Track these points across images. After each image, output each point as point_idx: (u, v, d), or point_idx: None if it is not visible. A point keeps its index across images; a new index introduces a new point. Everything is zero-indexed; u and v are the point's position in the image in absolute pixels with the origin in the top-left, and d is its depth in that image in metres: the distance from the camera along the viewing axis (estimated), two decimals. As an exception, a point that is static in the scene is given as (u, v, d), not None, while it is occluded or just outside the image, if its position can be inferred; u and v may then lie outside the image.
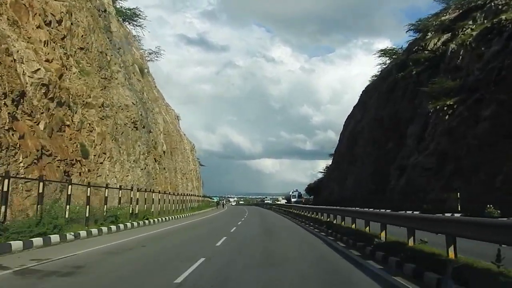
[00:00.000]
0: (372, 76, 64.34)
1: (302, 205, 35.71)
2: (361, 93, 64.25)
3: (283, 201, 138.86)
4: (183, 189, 48.50)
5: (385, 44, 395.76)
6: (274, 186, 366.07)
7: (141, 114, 28.76)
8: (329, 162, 77.94)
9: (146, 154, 29.51)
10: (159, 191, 32.03)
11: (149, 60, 54.15)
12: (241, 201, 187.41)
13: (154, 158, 32.57)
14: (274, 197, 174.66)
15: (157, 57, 53.87)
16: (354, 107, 65.05)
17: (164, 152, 38.25)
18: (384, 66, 59.98)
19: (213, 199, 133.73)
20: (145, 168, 29.09)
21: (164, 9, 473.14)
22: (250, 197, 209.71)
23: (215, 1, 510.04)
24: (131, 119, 26.44)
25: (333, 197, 59.61)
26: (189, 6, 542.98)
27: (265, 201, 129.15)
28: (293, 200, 74.62)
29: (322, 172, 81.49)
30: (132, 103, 27.02)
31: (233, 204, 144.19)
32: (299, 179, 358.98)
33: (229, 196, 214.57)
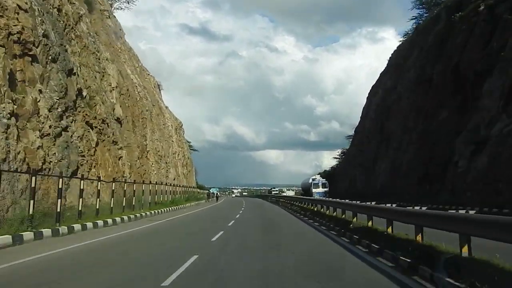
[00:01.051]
0: (404, 35, 51.55)
1: (340, 202, 21.83)
2: (389, 58, 51.22)
3: (290, 193, 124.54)
4: (160, 176, 36.07)
5: (390, 33, 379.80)
6: (279, 177, 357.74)
7: (44, 35, 16.03)
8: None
9: (60, 110, 16.90)
10: (97, 177, 19.61)
11: (117, 8, 42.30)
12: (245, 192, 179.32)
13: (88, 123, 19.95)
14: (279, 188, 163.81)
15: (128, 1, 42.09)
16: (381, 74, 52.05)
17: (118, 119, 25.70)
18: (417, 23, 47.23)
19: (210, 190, 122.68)
20: (59, 135, 16.54)
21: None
22: (254, 188, 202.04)
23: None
24: (10, 32, 13.75)
25: (355, 189, 46.98)
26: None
27: (273, 192, 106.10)
28: (315, 191, 52.30)
29: (337, 158, 68.67)
30: (18, 6, 14.33)
31: (233, 196, 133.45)
32: (304, 170, 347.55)
33: (233, 187, 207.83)
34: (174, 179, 43.39)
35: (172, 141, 45.33)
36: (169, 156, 42.36)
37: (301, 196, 46.24)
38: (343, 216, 16.68)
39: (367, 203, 18.36)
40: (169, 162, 42.00)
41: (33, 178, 12.71)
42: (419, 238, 8.94)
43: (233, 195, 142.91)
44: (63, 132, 17.08)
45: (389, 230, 10.82)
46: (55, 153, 16.16)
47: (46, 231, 12.26)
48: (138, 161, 29.09)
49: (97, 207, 18.01)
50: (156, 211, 24.49)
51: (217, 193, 51.73)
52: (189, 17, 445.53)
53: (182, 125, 53.24)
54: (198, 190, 55.90)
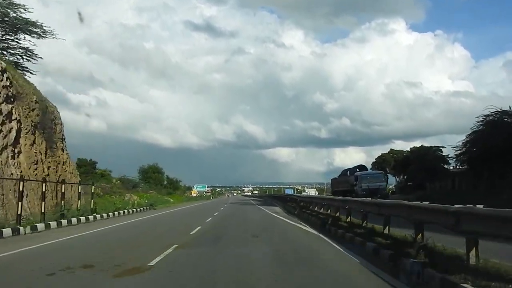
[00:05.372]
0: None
1: None
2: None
3: (312, 192, 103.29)
4: None
5: (401, 25, 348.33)
6: (291, 176, 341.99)
7: None
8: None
9: None
10: None
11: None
12: (256, 191, 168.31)
13: None
14: (290, 186, 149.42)
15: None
16: None
17: None
18: None
19: (199, 189, 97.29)
20: None
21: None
22: (266, 186, 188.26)
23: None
24: None
25: None
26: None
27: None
28: None
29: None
30: None
31: (234, 195, 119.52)
32: (316, 167, 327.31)
33: (244, 186, 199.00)
34: None
35: None
36: None
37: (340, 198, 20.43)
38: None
39: None
40: None
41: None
42: None
43: (234, 194, 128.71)
44: None
45: None
46: None
47: None
48: None
49: None
50: None
51: None
52: (194, 14, 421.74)
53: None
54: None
